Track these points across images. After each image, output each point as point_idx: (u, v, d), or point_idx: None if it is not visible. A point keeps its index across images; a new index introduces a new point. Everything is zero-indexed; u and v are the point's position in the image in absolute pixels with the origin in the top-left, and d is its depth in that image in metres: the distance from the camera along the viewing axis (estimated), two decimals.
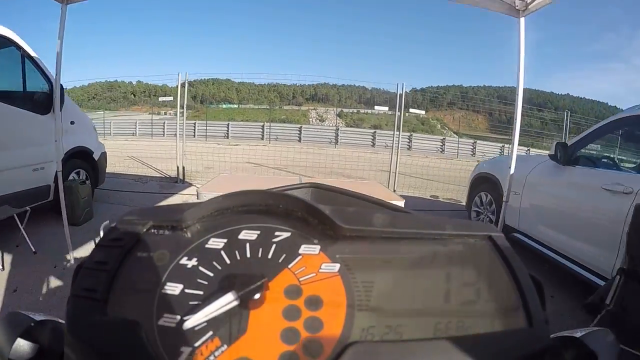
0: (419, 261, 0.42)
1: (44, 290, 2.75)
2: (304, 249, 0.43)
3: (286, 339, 0.34)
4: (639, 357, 1.33)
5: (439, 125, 64.86)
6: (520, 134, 2.90)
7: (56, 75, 2.96)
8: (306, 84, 62.45)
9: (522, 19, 2.49)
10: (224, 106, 65.29)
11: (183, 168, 7.17)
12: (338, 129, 25.43)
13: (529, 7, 2.51)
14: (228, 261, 0.42)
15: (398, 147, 7.12)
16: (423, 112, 10.69)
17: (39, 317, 0.47)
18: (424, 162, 10.16)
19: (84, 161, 4.80)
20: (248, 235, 0.45)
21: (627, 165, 3.81)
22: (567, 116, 12.80)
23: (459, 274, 0.41)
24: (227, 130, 23.82)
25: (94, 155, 4.95)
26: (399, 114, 6.94)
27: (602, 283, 2.59)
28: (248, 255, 0.42)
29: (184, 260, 0.42)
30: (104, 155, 5.29)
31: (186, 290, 0.39)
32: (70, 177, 4.47)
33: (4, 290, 2.70)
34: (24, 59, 3.87)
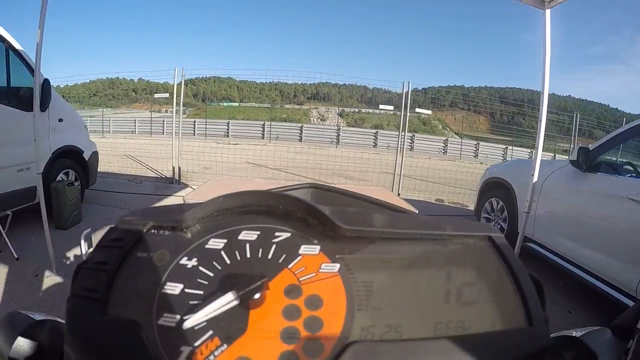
0: (419, 261, 0.42)
1: (23, 300, 2.55)
2: (304, 249, 0.43)
3: (286, 339, 0.34)
4: None
5: (441, 126, 64.84)
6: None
7: (36, 68, 2.73)
8: (308, 83, 62.44)
9: (548, 11, 2.28)
10: (225, 104, 65.35)
11: (179, 168, 6.94)
12: (340, 129, 25.14)
13: None
14: (228, 261, 0.42)
15: (403, 148, 6.86)
16: (429, 112, 10.54)
17: (39, 317, 0.47)
18: (426, 164, 9.93)
19: (73, 161, 4.54)
20: (248, 235, 0.45)
21: None
22: (575, 118, 12.53)
23: (459, 274, 0.41)
24: (227, 129, 23.61)
25: (84, 155, 4.70)
26: (405, 113, 6.66)
27: (625, 300, 2.44)
28: (248, 255, 0.42)
29: (184, 261, 0.42)
30: (95, 154, 5.04)
31: (186, 290, 0.39)
32: (59, 178, 4.22)
33: None
34: (8, 52, 3.64)
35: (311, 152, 9.62)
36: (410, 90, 6.67)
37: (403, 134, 6.80)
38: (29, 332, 0.44)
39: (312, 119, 60.79)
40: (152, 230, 0.46)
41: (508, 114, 59.30)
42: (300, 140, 22.67)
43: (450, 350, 0.34)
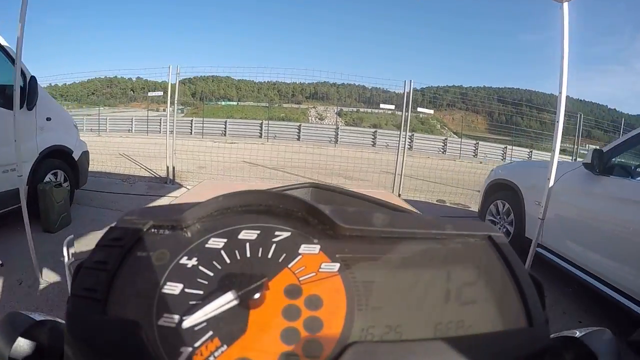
0: (419, 261, 0.42)
1: (4, 309, 2.37)
2: (303, 248, 0.42)
3: (286, 339, 0.34)
4: None
5: (439, 125, 64.84)
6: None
7: (16, 64, 2.56)
8: (306, 82, 62.54)
9: (566, 4, 2.16)
10: (223, 103, 65.31)
11: (173, 168, 6.76)
12: (338, 128, 25.01)
13: None
14: (228, 261, 0.41)
15: (404, 148, 6.67)
16: (431, 111, 10.47)
17: (38, 317, 0.47)
18: (426, 163, 9.80)
19: (62, 161, 4.37)
20: (248, 235, 0.44)
21: None
22: (579, 119, 12.43)
23: (459, 273, 0.41)
24: (225, 128, 23.46)
25: (73, 155, 4.53)
26: (407, 113, 6.47)
27: None
28: (248, 255, 0.42)
29: (184, 260, 0.41)
30: (85, 154, 4.87)
31: (186, 290, 0.38)
32: (47, 179, 4.05)
33: None
34: None
35: (309, 151, 9.49)
36: (412, 89, 6.48)
37: (404, 133, 6.64)
38: (29, 333, 0.44)
39: (310, 118, 60.72)
40: (152, 230, 0.46)
41: (506, 113, 59.32)
42: (299, 139, 22.54)
43: (450, 350, 0.34)
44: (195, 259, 0.42)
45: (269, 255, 0.42)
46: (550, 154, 2.41)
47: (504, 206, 4.00)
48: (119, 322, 0.36)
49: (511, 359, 0.36)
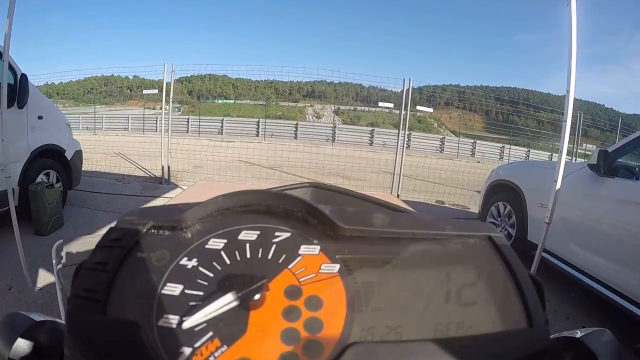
0: (419, 261, 0.42)
1: None
2: (303, 249, 0.42)
3: (286, 340, 0.34)
4: None
5: (436, 124, 64.96)
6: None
7: (4, 61, 2.46)
8: (303, 80, 62.48)
9: (574, 0, 2.08)
10: (220, 102, 65.22)
11: (168, 168, 6.67)
12: (335, 127, 24.94)
13: None
14: (228, 262, 0.41)
15: (403, 147, 6.58)
16: (431, 110, 10.38)
17: (38, 318, 0.46)
18: (424, 163, 9.74)
19: (54, 161, 4.27)
20: (248, 235, 0.44)
21: None
22: (579, 119, 12.41)
23: (459, 274, 0.41)
24: (222, 127, 23.36)
25: (66, 154, 4.42)
26: (405, 111, 6.37)
27: None
28: (248, 255, 0.42)
29: (184, 261, 0.41)
30: (78, 153, 4.76)
31: (186, 291, 0.38)
32: (39, 180, 3.95)
33: None
34: None
35: (306, 150, 9.41)
36: (411, 87, 6.38)
37: (403, 132, 6.55)
38: (29, 333, 0.43)
39: (307, 116, 60.73)
40: (152, 231, 0.46)
41: (503, 112, 59.47)
42: (296, 137, 22.47)
43: (450, 350, 0.34)
44: (195, 259, 0.41)
45: (269, 256, 0.42)
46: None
47: (505, 208, 3.94)
48: (119, 323, 0.36)
49: (511, 359, 0.36)
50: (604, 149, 2.83)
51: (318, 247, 0.43)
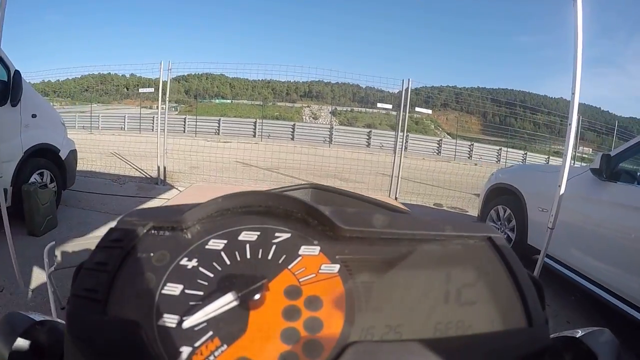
0: (419, 262, 0.42)
1: None
2: (303, 250, 0.43)
3: (286, 339, 0.34)
4: None
5: (433, 126, 65.10)
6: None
7: None
8: (300, 81, 62.39)
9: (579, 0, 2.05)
10: (217, 101, 65.10)
11: (164, 168, 6.61)
12: (332, 128, 24.90)
13: None
14: (228, 262, 0.41)
15: (402, 149, 6.53)
16: (429, 111, 10.38)
17: (38, 317, 0.46)
18: (421, 165, 9.69)
19: (48, 160, 4.21)
20: (248, 236, 0.44)
21: None
22: (578, 121, 12.39)
23: (459, 274, 0.41)
24: (218, 127, 23.28)
25: (60, 154, 4.36)
26: (404, 112, 6.33)
27: None
28: (248, 256, 0.42)
29: (184, 261, 0.41)
30: (73, 153, 4.70)
31: (186, 291, 0.38)
32: (32, 179, 3.89)
33: None
34: None
35: (304, 151, 9.36)
36: (410, 88, 6.34)
37: (401, 134, 6.51)
38: (29, 333, 0.43)
39: (304, 117, 60.73)
40: (152, 231, 0.46)
41: (500, 114, 59.68)
42: (293, 139, 22.39)
43: (450, 350, 0.34)
44: (195, 260, 0.41)
45: (269, 257, 0.42)
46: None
47: (505, 212, 3.92)
48: (119, 322, 0.36)
49: (511, 359, 0.36)
50: (607, 153, 2.81)
51: (318, 248, 0.43)
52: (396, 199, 6.11)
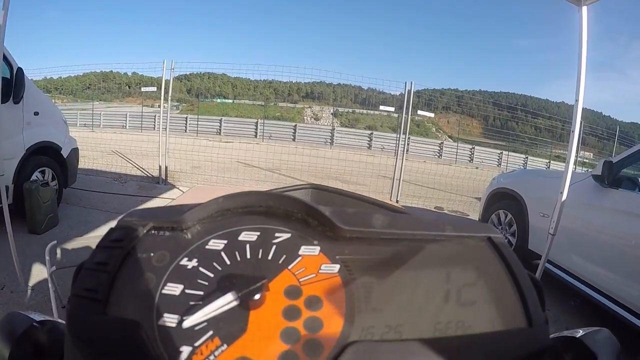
0: (419, 262, 0.42)
1: None
2: (303, 250, 0.43)
3: (286, 339, 0.34)
4: None
5: (434, 129, 65.03)
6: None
7: None
8: (302, 81, 62.33)
9: (584, 8, 2.08)
10: (219, 101, 65.09)
11: (166, 168, 6.60)
12: (334, 129, 24.90)
13: None
14: (228, 262, 0.42)
15: (404, 152, 6.52)
16: (432, 114, 10.26)
17: (38, 317, 0.47)
18: (422, 168, 9.68)
19: (50, 158, 4.21)
20: (248, 236, 0.45)
21: None
22: (580, 127, 12.35)
23: (459, 274, 0.41)
24: (220, 126, 23.27)
25: (62, 152, 4.36)
26: (406, 115, 6.31)
27: None
28: (248, 256, 0.42)
29: (184, 261, 0.41)
30: (75, 151, 4.70)
31: (186, 291, 0.38)
32: (34, 177, 3.89)
33: None
34: None
35: (305, 152, 9.34)
36: (412, 90, 6.32)
37: (403, 136, 6.49)
38: (29, 333, 0.44)
39: (305, 118, 60.73)
40: (153, 231, 0.46)
41: (501, 118, 59.62)
42: (294, 140, 22.38)
43: (450, 350, 0.34)
44: (195, 260, 0.41)
45: (269, 257, 0.42)
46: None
47: (506, 216, 3.92)
48: (119, 322, 0.36)
49: (510, 359, 0.36)
50: (609, 159, 2.81)
51: (318, 248, 0.43)
52: (397, 201, 6.10)
